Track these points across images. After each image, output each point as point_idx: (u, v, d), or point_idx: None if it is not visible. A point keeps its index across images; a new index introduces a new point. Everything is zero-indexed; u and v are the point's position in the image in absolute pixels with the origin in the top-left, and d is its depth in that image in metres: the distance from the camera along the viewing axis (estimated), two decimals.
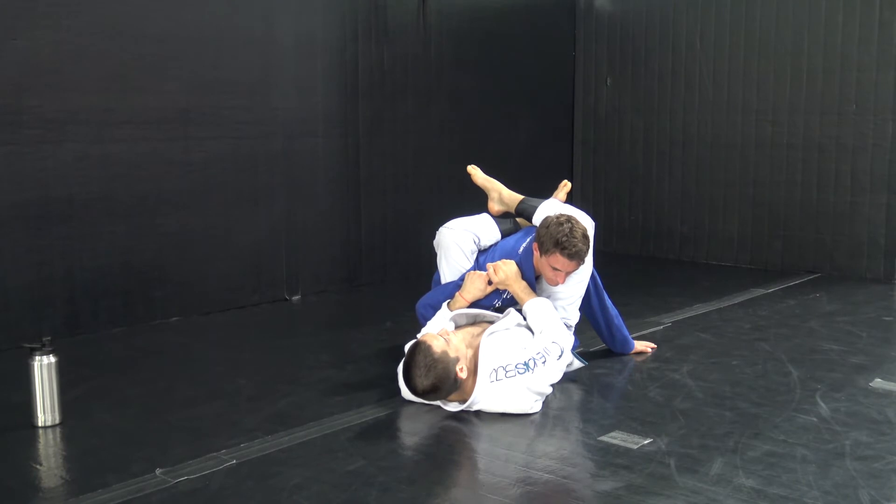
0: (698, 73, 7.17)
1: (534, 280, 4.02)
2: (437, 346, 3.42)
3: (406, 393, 3.62)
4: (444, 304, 3.99)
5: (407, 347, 3.70)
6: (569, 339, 3.76)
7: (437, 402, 3.56)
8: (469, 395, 3.47)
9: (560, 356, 3.64)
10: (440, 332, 3.58)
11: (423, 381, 3.41)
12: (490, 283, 3.96)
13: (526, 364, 3.49)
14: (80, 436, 3.33)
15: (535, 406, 3.53)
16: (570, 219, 3.83)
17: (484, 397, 3.47)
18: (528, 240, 4.03)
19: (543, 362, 3.55)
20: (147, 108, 4.98)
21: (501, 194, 4.41)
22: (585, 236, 3.82)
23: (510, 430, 3.36)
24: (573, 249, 3.76)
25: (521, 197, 4.30)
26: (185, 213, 5.21)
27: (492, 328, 3.68)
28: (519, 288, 3.91)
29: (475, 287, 3.97)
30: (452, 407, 3.53)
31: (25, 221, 4.55)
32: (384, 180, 6.35)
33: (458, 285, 4.06)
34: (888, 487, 2.81)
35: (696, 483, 2.84)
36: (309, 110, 5.82)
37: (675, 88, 7.33)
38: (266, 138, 5.58)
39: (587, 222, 3.93)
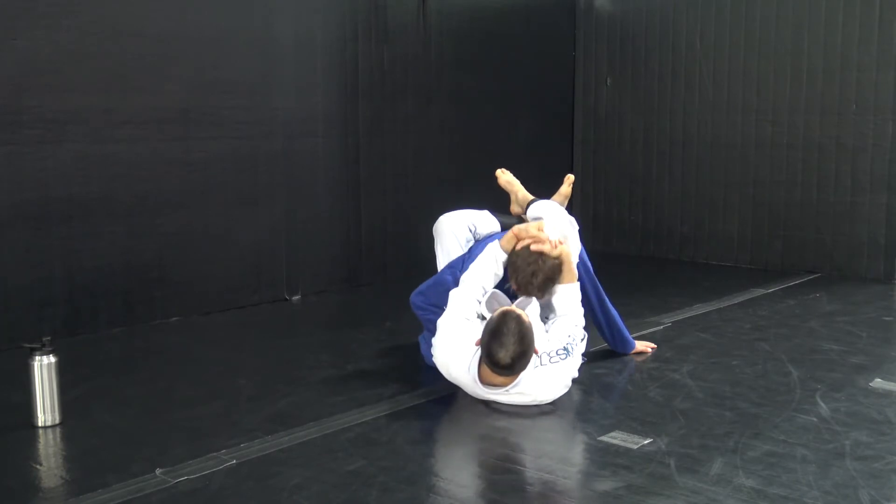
0: (698, 73, 7.16)
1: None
2: (526, 317, 3.42)
3: (443, 362, 3.61)
4: (496, 242, 3.84)
5: (445, 322, 3.65)
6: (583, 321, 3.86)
7: (468, 383, 3.54)
8: (513, 378, 3.46)
9: (583, 339, 3.78)
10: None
11: (515, 348, 3.34)
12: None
13: (566, 349, 3.56)
14: (80, 436, 3.33)
15: (563, 390, 3.61)
16: (538, 260, 3.69)
17: (527, 382, 3.47)
18: None
19: (575, 346, 3.65)
20: (147, 108, 4.97)
21: (517, 195, 4.51)
22: (541, 286, 3.71)
23: (511, 431, 3.36)
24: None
25: (531, 198, 4.41)
26: (185, 213, 5.21)
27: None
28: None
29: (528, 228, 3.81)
30: (484, 391, 3.53)
31: (25, 221, 4.54)
32: (384, 180, 6.35)
33: (450, 271, 4.05)
34: (888, 487, 2.81)
35: (696, 483, 2.84)
36: (309, 110, 5.81)
37: (675, 88, 7.33)
38: (266, 138, 5.58)
39: (573, 245, 3.94)
